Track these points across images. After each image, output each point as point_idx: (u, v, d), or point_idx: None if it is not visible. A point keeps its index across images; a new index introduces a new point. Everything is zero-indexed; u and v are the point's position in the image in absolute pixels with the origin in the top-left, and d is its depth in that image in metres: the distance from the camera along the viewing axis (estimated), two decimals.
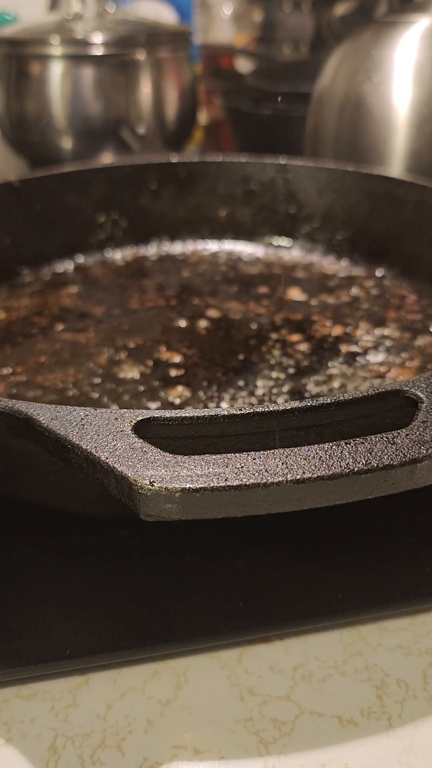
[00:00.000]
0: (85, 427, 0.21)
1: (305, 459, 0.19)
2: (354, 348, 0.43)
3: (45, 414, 0.21)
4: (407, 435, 0.20)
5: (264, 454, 0.20)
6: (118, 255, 0.58)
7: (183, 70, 0.83)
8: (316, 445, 0.20)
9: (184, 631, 0.26)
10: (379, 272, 0.53)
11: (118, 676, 0.26)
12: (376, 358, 0.41)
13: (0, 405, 0.22)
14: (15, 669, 0.25)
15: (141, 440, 0.20)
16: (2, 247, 0.52)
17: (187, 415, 0.21)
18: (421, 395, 0.22)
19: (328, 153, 0.62)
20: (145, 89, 0.78)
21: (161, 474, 0.19)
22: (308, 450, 0.20)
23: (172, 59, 0.80)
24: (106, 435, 0.20)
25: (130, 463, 0.19)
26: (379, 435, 0.20)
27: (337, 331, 0.45)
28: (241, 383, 0.39)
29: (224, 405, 0.37)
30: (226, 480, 0.19)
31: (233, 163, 0.58)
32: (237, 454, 0.20)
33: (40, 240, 0.54)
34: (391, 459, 0.19)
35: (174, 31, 0.83)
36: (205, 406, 0.37)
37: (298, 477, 0.19)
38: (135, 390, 0.38)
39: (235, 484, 0.19)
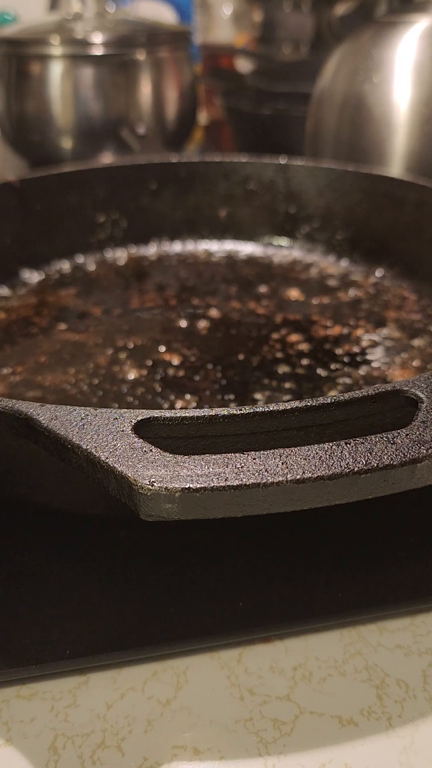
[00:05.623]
0: (85, 427, 0.21)
1: (305, 459, 0.19)
2: (354, 348, 0.43)
3: (45, 414, 0.21)
4: (407, 435, 0.20)
5: (264, 454, 0.20)
6: (118, 255, 0.58)
7: (183, 70, 0.83)
8: (316, 445, 0.20)
9: (184, 631, 0.26)
10: (379, 272, 0.53)
11: (118, 676, 0.26)
12: (376, 358, 0.41)
13: (0, 405, 0.22)
14: (15, 669, 0.25)
15: (141, 440, 0.20)
16: (2, 247, 0.52)
17: (187, 415, 0.21)
18: (421, 395, 0.22)
19: (328, 153, 0.62)
20: (145, 89, 0.78)
21: (161, 474, 0.19)
22: (308, 450, 0.20)
23: (172, 59, 0.80)
24: (106, 435, 0.20)
25: (130, 463, 0.19)
26: (379, 435, 0.20)
27: (336, 331, 0.45)
28: (241, 383, 0.39)
29: (224, 405, 0.37)
30: (226, 480, 0.19)
31: (233, 163, 0.58)
32: (237, 454, 0.20)
33: (40, 240, 0.54)
34: (391, 459, 0.19)
35: (174, 31, 0.83)
36: (205, 406, 0.37)
37: (298, 477, 0.19)
38: (135, 390, 0.38)
39: (235, 484, 0.19)
